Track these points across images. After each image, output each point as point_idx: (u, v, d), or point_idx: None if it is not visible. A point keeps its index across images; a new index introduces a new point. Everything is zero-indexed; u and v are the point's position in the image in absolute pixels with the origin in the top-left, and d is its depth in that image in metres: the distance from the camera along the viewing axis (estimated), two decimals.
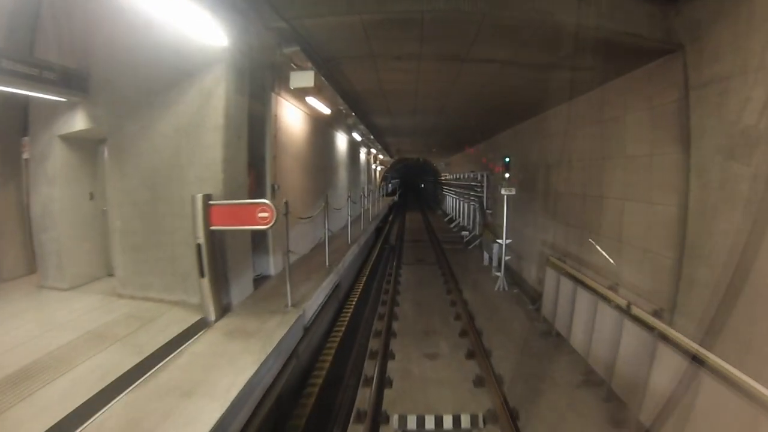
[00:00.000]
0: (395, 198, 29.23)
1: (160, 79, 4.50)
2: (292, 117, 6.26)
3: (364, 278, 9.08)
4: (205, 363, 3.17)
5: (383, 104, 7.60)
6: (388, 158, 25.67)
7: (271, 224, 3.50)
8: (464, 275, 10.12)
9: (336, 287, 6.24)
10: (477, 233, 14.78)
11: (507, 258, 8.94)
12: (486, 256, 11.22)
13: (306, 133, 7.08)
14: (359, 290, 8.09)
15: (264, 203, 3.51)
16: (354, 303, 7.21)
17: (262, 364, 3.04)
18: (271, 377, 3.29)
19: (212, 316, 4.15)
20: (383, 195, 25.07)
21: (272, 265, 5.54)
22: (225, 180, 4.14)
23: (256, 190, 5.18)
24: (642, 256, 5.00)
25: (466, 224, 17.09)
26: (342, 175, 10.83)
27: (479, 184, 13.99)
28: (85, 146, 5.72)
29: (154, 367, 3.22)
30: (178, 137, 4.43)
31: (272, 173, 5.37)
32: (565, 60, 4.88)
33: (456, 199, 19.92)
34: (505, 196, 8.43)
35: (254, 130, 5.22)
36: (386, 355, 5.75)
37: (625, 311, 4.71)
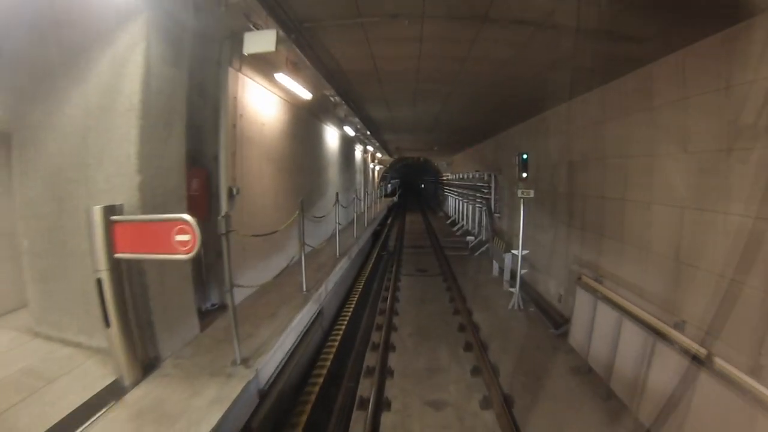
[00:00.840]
0: (395, 199, 28.01)
1: (68, 46, 3.25)
2: (263, 102, 5.00)
3: (357, 296, 7.82)
4: None
5: (378, 90, 6.33)
6: (387, 157, 24.40)
7: (192, 253, 2.25)
8: (472, 289, 8.86)
9: (318, 315, 4.98)
10: (483, 238, 13.51)
11: (523, 272, 7.67)
12: (496, 266, 9.96)
13: (283, 123, 5.81)
14: (349, 314, 6.83)
15: (182, 220, 2.25)
16: (341, 333, 5.94)
17: None
18: None
19: (126, 380, 2.90)
20: (382, 196, 23.82)
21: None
22: (143, 184, 2.88)
23: (205, 197, 3.92)
24: (713, 283, 3.75)
25: (470, 228, 15.83)
26: (333, 175, 9.54)
27: (486, 185, 12.72)
28: (2, 143, 4.45)
29: None
30: (85, 126, 3.17)
31: (230, 174, 4.10)
32: (617, 22, 3.65)
33: (459, 200, 18.65)
34: (522, 200, 7.16)
35: (203, 116, 3.96)
36: (380, 405, 4.49)
37: (703, 362, 3.47)
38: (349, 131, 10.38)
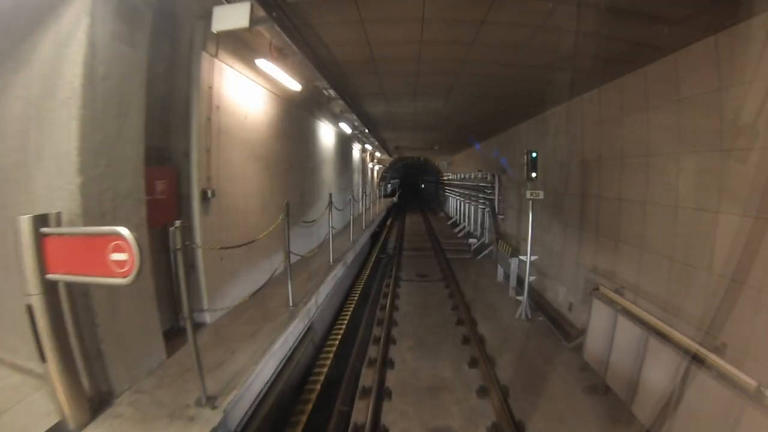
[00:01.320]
0: (394, 199, 27.52)
1: (12, 26, 2.77)
2: (246, 93, 4.47)
3: (353, 305, 7.31)
4: None
5: (376, 83, 5.82)
6: (386, 156, 23.89)
7: (130, 276, 1.75)
8: (476, 296, 8.36)
9: (307, 331, 4.48)
10: (486, 241, 13.02)
11: (532, 279, 7.17)
12: (500, 270, 9.46)
13: (271, 117, 5.29)
14: (344, 325, 6.32)
15: (116, 235, 1.75)
16: (335, 348, 5.44)
17: None
18: None
19: (70, 423, 2.41)
20: (381, 196, 23.32)
21: (207, 308, 3.78)
22: (86, 187, 2.38)
23: (173, 201, 3.42)
24: (757, 300, 3.27)
25: (472, 230, 15.32)
26: (328, 175, 9.01)
27: (489, 185, 12.22)
28: None
29: None
30: (26, 118, 2.67)
31: (204, 173, 3.60)
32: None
33: (460, 201, 18.14)
34: (531, 202, 6.66)
35: (172, 107, 3.47)
36: None
37: (749, 393, 2.98)
38: (346, 129, 9.88)
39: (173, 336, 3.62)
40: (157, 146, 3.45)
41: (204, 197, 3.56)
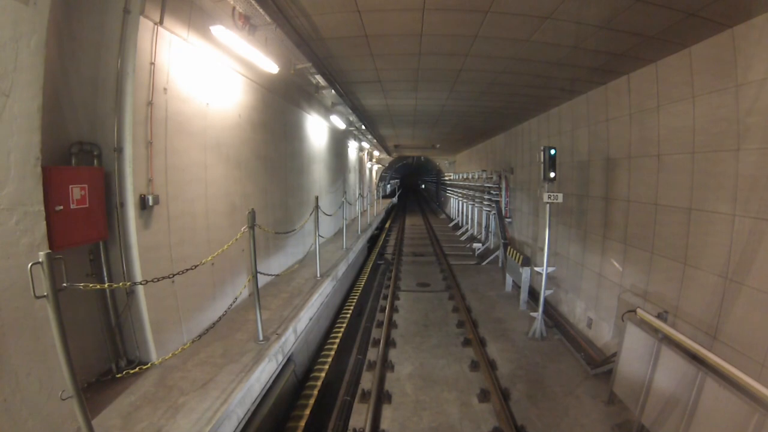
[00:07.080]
0: (394, 200, 26.72)
1: None
2: (207, 75, 3.61)
3: (344, 324, 6.48)
4: None
5: (370, 67, 5.00)
6: (385, 156, 23.05)
7: None
8: (483, 309, 7.55)
9: (284, 368, 3.67)
10: (491, 246, 12.22)
11: (548, 292, 6.36)
12: (509, 280, 8.65)
13: (244, 107, 4.41)
14: (333, 349, 5.48)
15: None
16: (320, 381, 4.61)
17: None
18: None
19: None
20: (380, 197, 22.49)
21: (152, 344, 2.96)
22: None
23: (100, 211, 2.60)
24: None
25: (476, 233, 14.52)
26: (319, 175, 8.17)
27: (495, 186, 11.40)
28: None
29: None
30: None
31: (143, 174, 2.79)
32: None
33: (463, 202, 17.32)
34: (548, 206, 5.84)
35: (101, 91, 2.66)
36: None
37: None
38: (339, 124, 9.04)
39: (108, 384, 2.83)
40: (80, 141, 2.65)
41: (143, 205, 2.74)
